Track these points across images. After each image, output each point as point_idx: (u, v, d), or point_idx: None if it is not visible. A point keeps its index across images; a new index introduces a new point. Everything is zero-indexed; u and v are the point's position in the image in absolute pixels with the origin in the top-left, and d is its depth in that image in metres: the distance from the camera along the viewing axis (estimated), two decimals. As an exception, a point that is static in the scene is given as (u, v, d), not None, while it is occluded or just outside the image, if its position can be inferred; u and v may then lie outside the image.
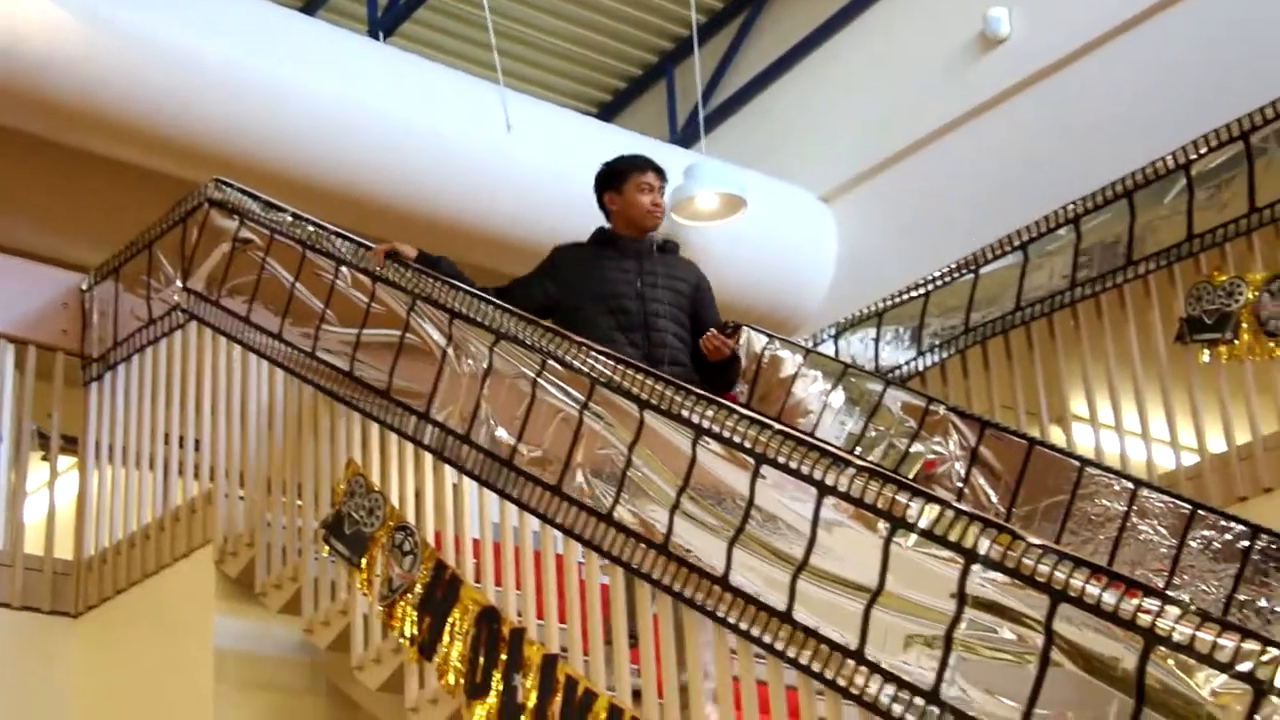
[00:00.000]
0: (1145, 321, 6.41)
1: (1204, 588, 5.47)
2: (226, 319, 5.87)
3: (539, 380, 4.53)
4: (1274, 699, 2.98)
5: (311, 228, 5.55)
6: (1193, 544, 5.49)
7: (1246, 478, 5.94)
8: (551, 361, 4.50)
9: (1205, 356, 6.14)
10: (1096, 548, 5.75)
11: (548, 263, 5.53)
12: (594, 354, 4.40)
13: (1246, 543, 5.33)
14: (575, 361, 4.44)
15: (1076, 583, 3.29)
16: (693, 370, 5.42)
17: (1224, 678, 3.09)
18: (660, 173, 5.59)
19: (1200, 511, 5.49)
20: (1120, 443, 6.48)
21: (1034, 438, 6.09)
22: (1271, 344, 5.90)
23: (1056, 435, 6.73)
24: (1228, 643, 3.07)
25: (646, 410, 4.24)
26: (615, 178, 5.57)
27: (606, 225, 5.62)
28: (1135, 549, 5.67)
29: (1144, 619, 3.18)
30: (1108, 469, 5.87)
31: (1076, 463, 5.88)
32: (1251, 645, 3.04)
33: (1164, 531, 5.62)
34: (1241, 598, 5.35)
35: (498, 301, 4.79)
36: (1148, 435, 6.38)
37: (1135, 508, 5.69)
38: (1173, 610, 3.16)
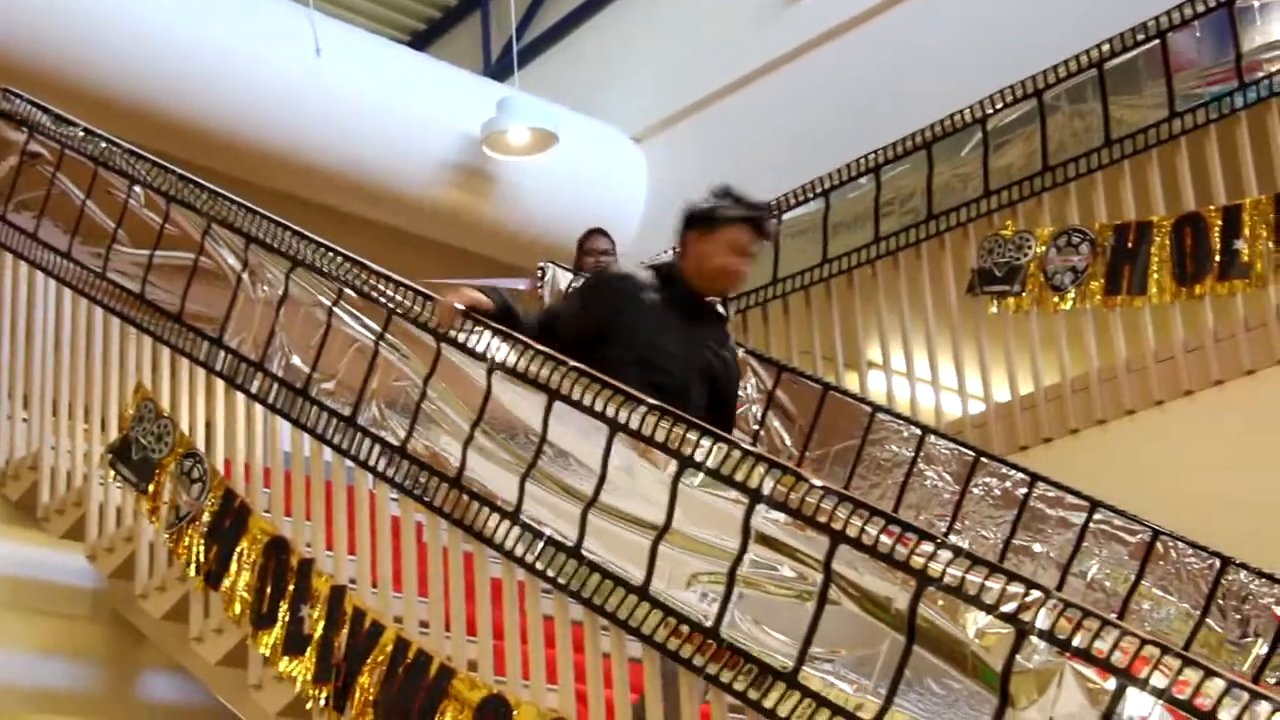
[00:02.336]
0: (939, 272, 6.57)
1: (983, 533, 5.63)
2: (13, 234, 5.69)
3: (335, 309, 4.49)
4: (1034, 640, 3.11)
5: (104, 144, 5.39)
6: (975, 490, 5.65)
7: (1028, 427, 6.14)
8: (348, 290, 4.46)
9: (994, 308, 6.32)
10: (884, 492, 5.89)
11: (595, 290, 4.68)
12: (391, 284, 4.37)
13: (1025, 490, 5.51)
14: (372, 291, 4.40)
15: (855, 524, 3.37)
16: None
17: (989, 619, 3.20)
18: (763, 232, 4.52)
19: (983, 459, 5.66)
20: (911, 390, 6.65)
21: (828, 383, 6.20)
22: (1056, 298, 6.10)
23: (851, 382, 6.86)
24: (994, 585, 3.18)
25: (443, 343, 4.22)
26: (709, 222, 4.47)
27: (674, 263, 4.60)
28: (921, 494, 5.82)
29: (917, 561, 3.28)
30: (897, 415, 6.01)
31: (868, 409, 6.00)
32: (1016, 588, 3.16)
33: (948, 478, 5.77)
34: (1018, 543, 5.52)
35: (295, 228, 4.72)
36: (937, 384, 6.54)
37: (922, 454, 5.83)
38: (944, 554, 3.26)
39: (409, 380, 4.30)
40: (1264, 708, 2.72)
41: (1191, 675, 2.85)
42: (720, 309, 4.67)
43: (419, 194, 8.96)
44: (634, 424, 3.76)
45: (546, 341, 4.09)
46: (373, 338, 4.38)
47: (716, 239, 4.42)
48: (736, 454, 3.56)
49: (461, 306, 4.16)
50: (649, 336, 4.35)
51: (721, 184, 4.51)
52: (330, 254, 4.55)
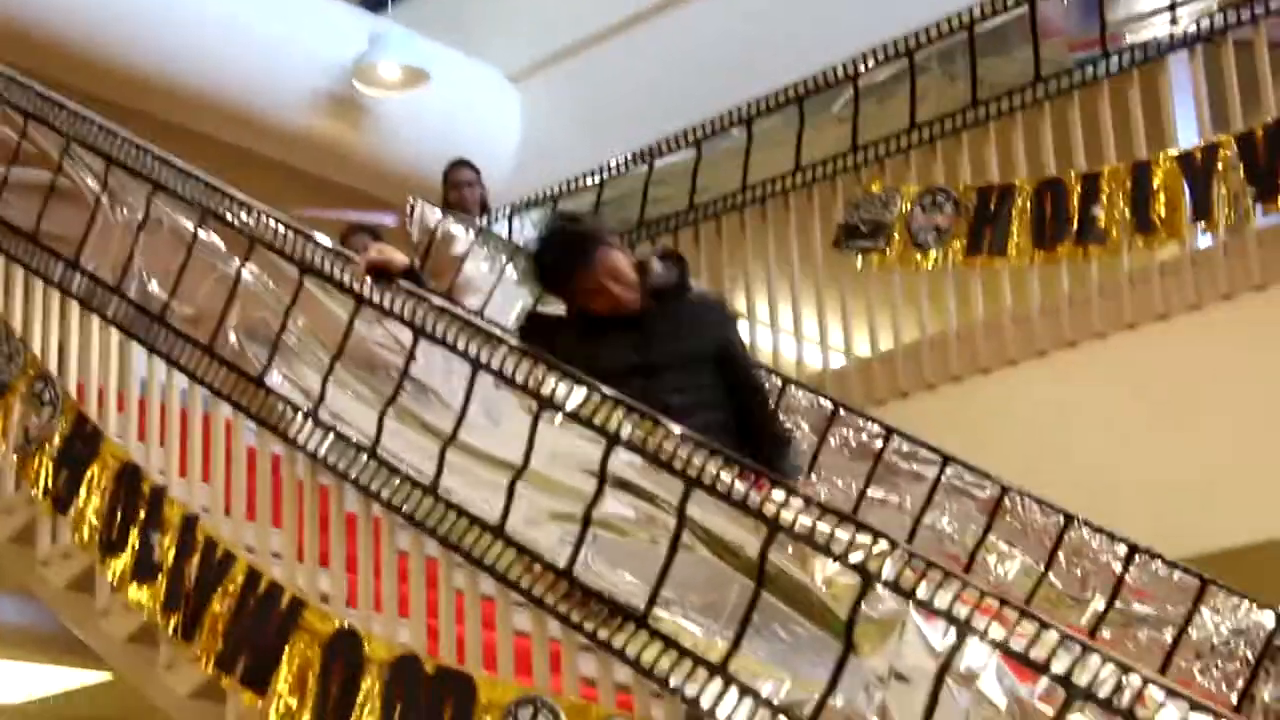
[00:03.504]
0: (806, 226, 6.62)
1: (838, 483, 5.71)
2: None
3: (196, 236, 4.41)
4: (880, 589, 3.16)
5: (-48, 56, 5.24)
6: (831, 441, 5.72)
7: (887, 381, 6.23)
8: (210, 218, 4.38)
9: (859, 263, 6.38)
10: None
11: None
12: (254, 212, 4.30)
13: (880, 443, 5.60)
14: (234, 219, 4.33)
15: (710, 471, 3.39)
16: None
17: (837, 567, 3.25)
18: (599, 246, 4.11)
19: (841, 411, 5.73)
20: (774, 341, 6.71)
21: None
22: (919, 255, 6.18)
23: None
24: (843, 535, 3.23)
25: (306, 275, 4.17)
26: (552, 286, 4.28)
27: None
28: (779, 443, 5.87)
29: (769, 509, 3.32)
30: (759, 364, 6.05)
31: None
32: (864, 538, 3.21)
33: (806, 428, 5.83)
34: (871, 495, 5.61)
35: (157, 151, 4.62)
36: (800, 335, 6.61)
37: (782, 404, 5.88)
38: (795, 502, 3.30)
39: (269, 311, 4.25)
40: (1094, 660, 2.80)
41: (1028, 628, 2.92)
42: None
43: (289, 124, 8.81)
44: (495, 364, 3.75)
45: None
46: (234, 266, 4.32)
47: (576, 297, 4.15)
48: (596, 397, 3.57)
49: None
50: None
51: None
52: (192, 179, 4.46)
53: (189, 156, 4.62)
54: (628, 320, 4.05)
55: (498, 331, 3.93)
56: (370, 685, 3.67)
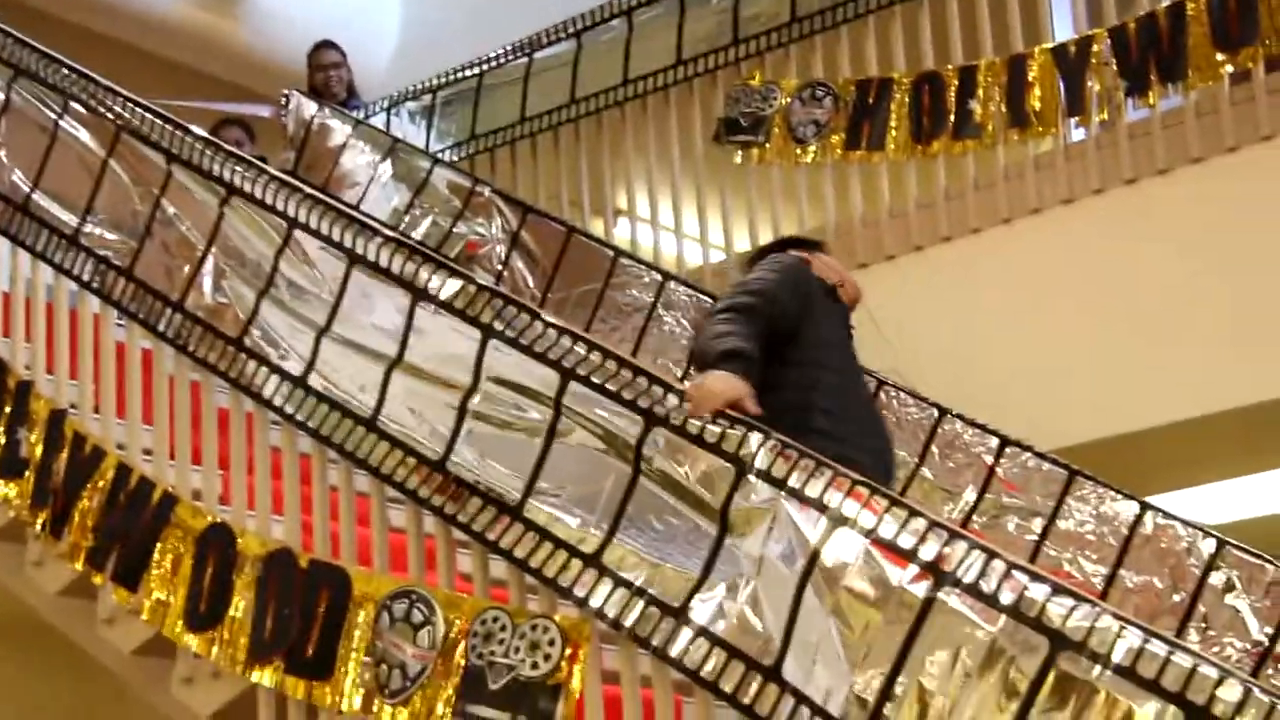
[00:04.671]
0: (686, 120, 6.58)
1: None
2: None
3: (61, 123, 4.28)
4: (753, 479, 3.17)
5: None
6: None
7: (765, 277, 6.21)
8: (74, 104, 4.25)
9: (738, 158, 6.36)
10: (624, 335, 5.93)
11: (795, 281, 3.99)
12: (120, 99, 4.18)
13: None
14: (100, 106, 4.20)
15: (588, 363, 3.38)
16: None
17: (713, 458, 3.26)
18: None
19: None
20: (655, 237, 6.68)
21: (573, 226, 6.19)
22: (798, 150, 6.17)
23: (597, 226, 6.87)
24: (716, 427, 3.23)
25: (174, 164, 4.07)
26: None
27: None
28: (659, 339, 5.87)
29: (644, 401, 3.32)
30: (639, 260, 6.04)
31: (611, 253, 6.02)
32: (737, 430, 3.21)
33: (686, 324, 5.84)
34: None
35: (18, 34, 4.45)
36: (680, 231, 6.59)
37: (662, 300, 5.89)
38: (672, 397, 3.30)
39: (138, 202, 4.14)
40: (961, 546, 2.83)
41: (898, 515, 2.95)
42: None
43: (161, 13, 8.59)
44: (370, 255, 3.70)
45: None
46: (100, 156, 4.20)
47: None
48: (472, 289, 3.54)
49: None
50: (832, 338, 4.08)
51: None
52: (55, 65, 4.32)
53: (57, 46, 4.46)
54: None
55: (373, 223, 3.87)
56: (243, 580, 3.63)
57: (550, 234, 6.17)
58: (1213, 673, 2.50)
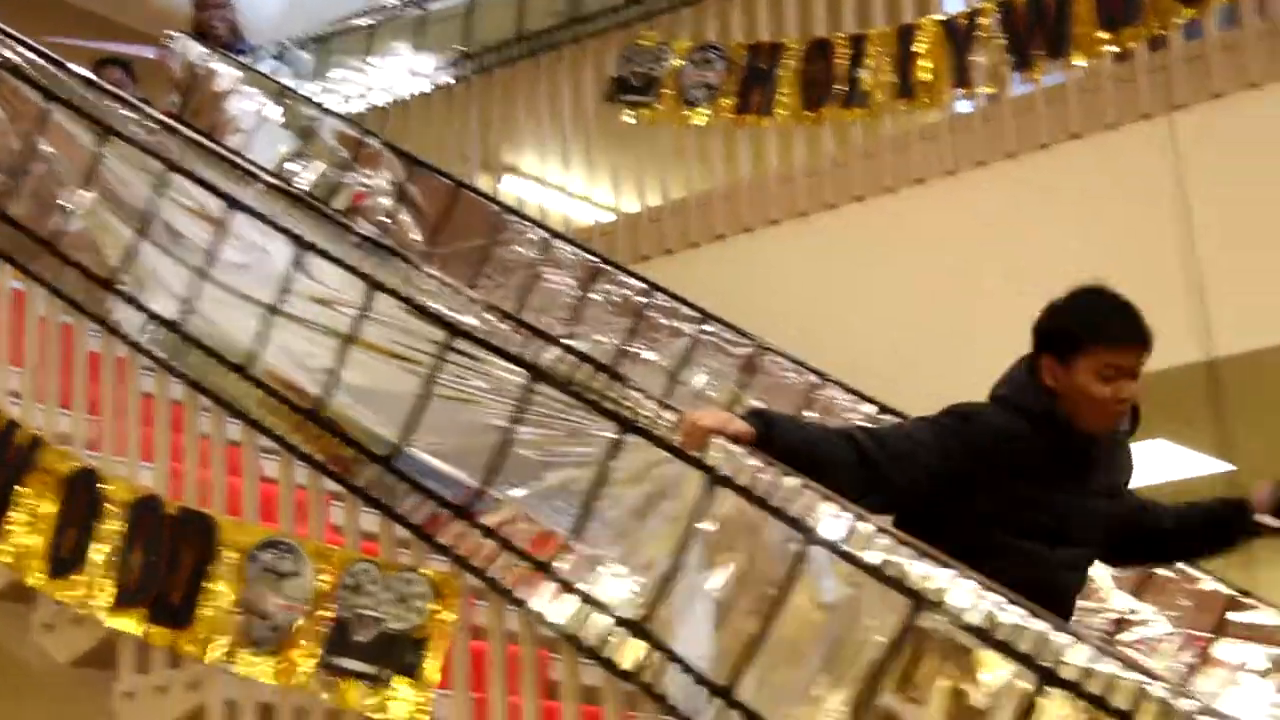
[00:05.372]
0: (578, 79, 6.54)
1: (600, 338, 5.73)
2: None
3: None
4: (630, 438, 3.18)
5: None
6: (595, 296, 5.74)
7: (652, 238, 6.24)
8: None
9: (629, 118, 6.34)
10: (509, 292, 5.91)
11: (972, 436, 3.10)
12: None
13: (643, 299, 5.63)
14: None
15: (469, 321, 3.38)
16: None
17: (597, 416, 3.26)
18: (1145, 345, 3.10)
19: (605, 266, 5.73)
20: (543, 195, 6.65)
21: (461, 180, 6.14)
22: (688, 112, 6.15)
23: (486, 183, 6.82)
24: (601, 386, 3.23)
25: (52, 102, 3.98)
26: (1065, 342, 3.12)
27: (1048, 395, 3.13)
28: (544, 295, 5.86)
29: (528, 357, 3.32)
30: (526, 218, 6.02)
31: (498, 209, 5.98)
32: (616, 392, 3.22)
33: (571, 282, 5.83)
34: (632, 350, 5.65)
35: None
36: (569, 190, 6.57)
37: (548, 258, 5.87)
38: (556, 351, 3.32)
39: (12, 139, 4.04)
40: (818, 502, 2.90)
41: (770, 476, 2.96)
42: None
43: (45, -51, 8.36)
44: (251, 202, 3.66)
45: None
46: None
47: (1080, 367, 3.08)
48: (354, 239, 3.50)
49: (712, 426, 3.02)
50: (1047, 515, 3.13)
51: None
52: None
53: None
54: (1092, 458, 3.16)
55: (255, 169, 3.81)
56: (109, 525, 3.56)
57: (438, 188, 6.12)
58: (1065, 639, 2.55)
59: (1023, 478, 3.04)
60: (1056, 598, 2.93)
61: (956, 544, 2.84)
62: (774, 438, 2.96)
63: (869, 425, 3.77)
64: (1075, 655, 2.55)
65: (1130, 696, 2.46)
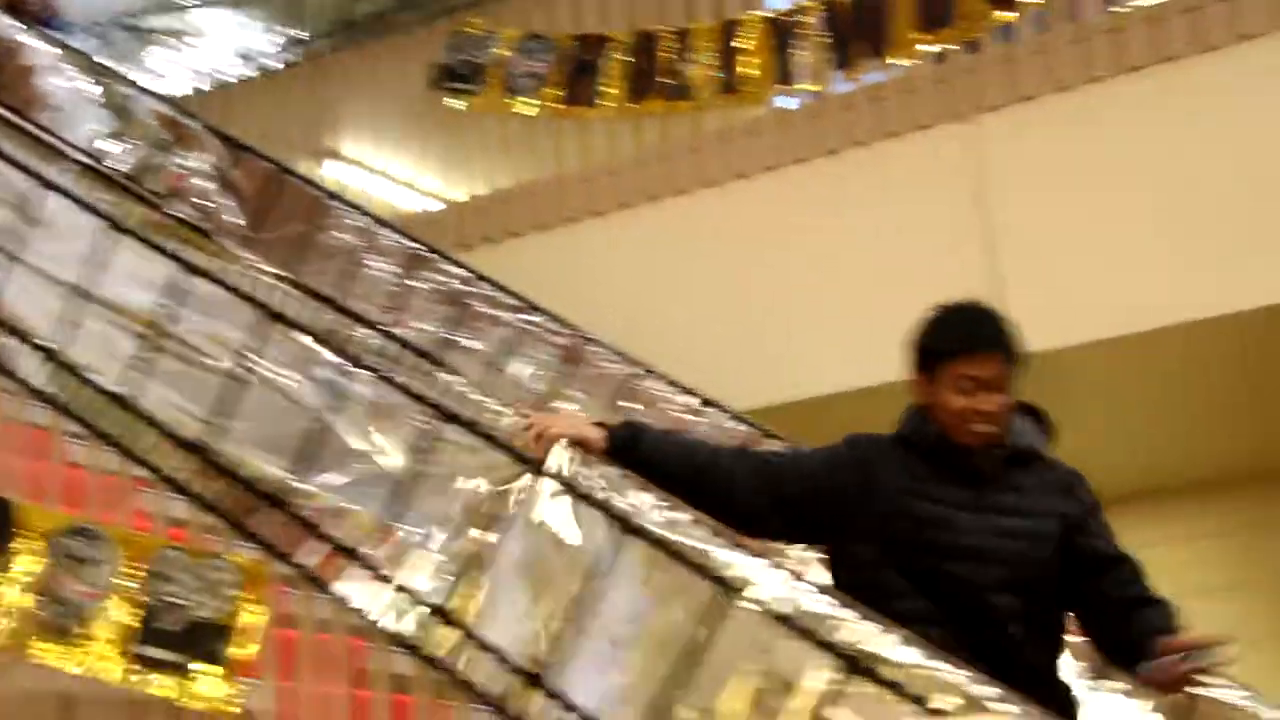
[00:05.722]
0: (404, 66, 6.54)
1: (423, 325, 5.72)
2: None
3: None
4: (449, 426, 3.22)
5: None
6: (418, 284, 5.72)
7: (476, 226, 6.25)
8: None
9: (455, 105, 6.34)
10: (331, 278, 5.87)
11: (845, 459, 3.13)
12: None
13: (466, 287, 5.62)
14: None
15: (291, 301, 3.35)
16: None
17: (410, 402, 3.28)
18: (998, 355, 3.05)
19: (428, 254, 5.72)
20: (367, 182, 6.62)
21: (283, 165, 6.07)
22: (514, 101, 6.19)
23: (309, 169, 6.76)
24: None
25: None
26: (927, 356, 3.12)
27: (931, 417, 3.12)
28: (366, 282, 5.83)
29: (346, 336, 3.31)
30: (349, 203, 5.98)
31: (320, 194, 5.93)
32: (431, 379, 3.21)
33: (394, 269, 5.81)
34: (455, 338, 5.66)
35: None
36: (393, 176, 6.56)
37: (371, 244, 5.84)
38: (366, 331, 3.30)
39: None
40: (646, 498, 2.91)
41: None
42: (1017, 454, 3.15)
43: None
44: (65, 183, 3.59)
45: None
46: None
47: (941, 380, 3.08)
48: (157, 216, 3.45)
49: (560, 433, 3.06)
50: (929, 534, 3.03)
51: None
52: None
53: None
54: (974, 470, 3.07)
55: (62, 144, 3.73)
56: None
57: (260, 172, 6.05)
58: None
59: (912, 495, 3.00)
60: (990, 621, 2.91)
61: (878, 590, 2.85)
62: (637, 447, 3.00)
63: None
64: (879, 644, 2.62)
65: (931, 685, 2.54)
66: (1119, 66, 5.05)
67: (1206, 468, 6.27)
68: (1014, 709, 2.51)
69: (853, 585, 2.89)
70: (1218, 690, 3.50)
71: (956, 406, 3.01)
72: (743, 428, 5.03)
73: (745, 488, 3.00)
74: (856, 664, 2.60)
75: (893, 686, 2.57)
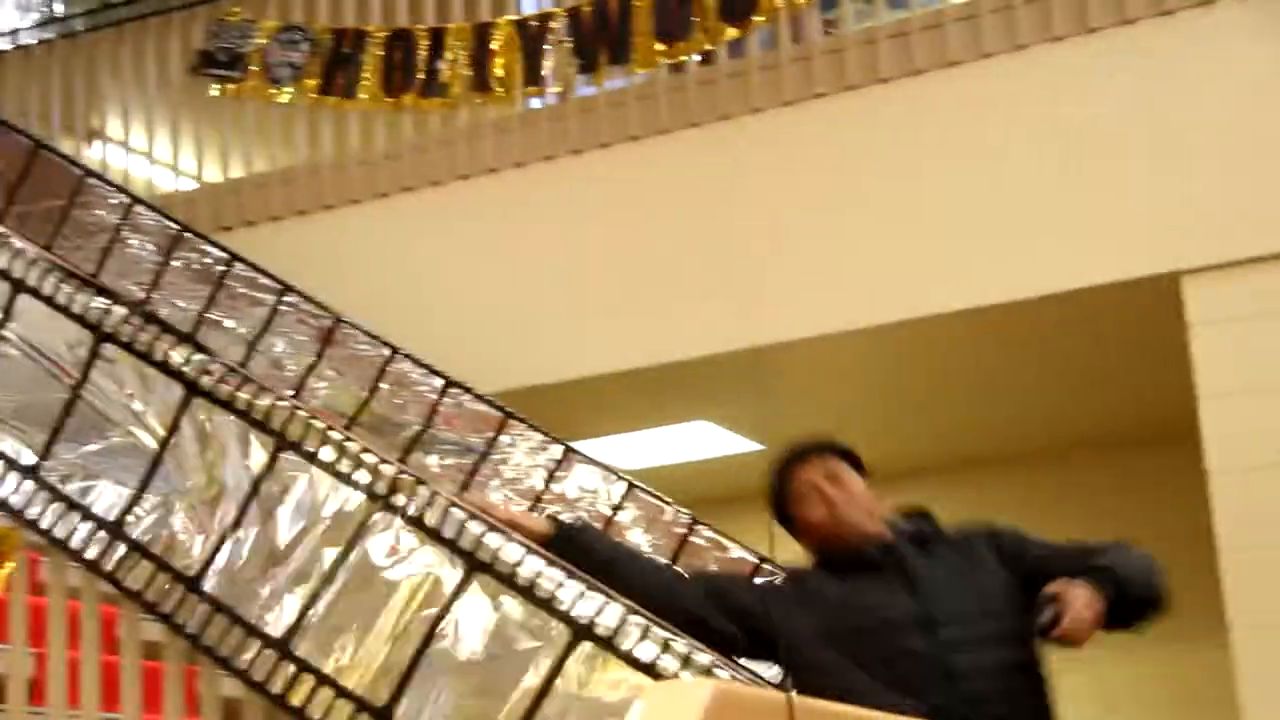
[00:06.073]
0: (165, 50, 6.52)
1: (180, 303, 5.72)
2: None
3: None
4: (206, 402, 3.32)
5: None
6: (175, 263, 5.73)
7: (235, 209, 6.27)
8: None
9: (214, 91, 6.35)
10: (88, 255, 5.83)
11: (775, 596, 3.33)
12: None
13: (223, 268, 5.65)
14: None
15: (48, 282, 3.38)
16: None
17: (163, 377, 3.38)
18: (804, 458, 3.33)
19: (185, 234, 5.72)
20: (126, 161, 6.57)
21: (40, 140, 6.00)
22: (273, 89, 6.23)
23: (69, 146, 6.66)
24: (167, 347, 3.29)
25: None
26: (776, 506, 3.35)
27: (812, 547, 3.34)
28: (123, 260, 5.81)
29: (94, 314, 3.40)
30: (108, 182, 5.95)
31: (79, 171, 5.89)
32: (184, 352, 3.29)
33: (152, 248, 5.80)
34: (212, 317, 5.65)
35: None
36: (153, 157, 6.52)
37: (129, 223, 5.82)
38: (120, 309, 3.36)
39: None
40: (389, 469, 3.10)
41: (345, 446, 3.15)
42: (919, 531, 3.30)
43: None
44: None
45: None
46: None
47: (795, 514, 3.30)
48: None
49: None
50: (879, 630, 3.11)
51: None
52: None
53: None
54: (875, 564, 3.19)
55: None
56: None
57: (16, 147, 5.97)
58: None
59: (844, 606, 3.07)
60: (955, 679, 2.95)
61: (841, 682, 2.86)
62: (574, 537, 3.19)
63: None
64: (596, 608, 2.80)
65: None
66: (838, 85, 5.29)
67: (972, 448, 6.67)
68: (724, 673, 2.70)
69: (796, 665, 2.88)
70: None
71: (818, 516, 3.19)
72: (484, 407, 5.17)
73: (686, 584, 3.20)
74: (585, 630, 2.75)
75: (613, 647, 2.73)
